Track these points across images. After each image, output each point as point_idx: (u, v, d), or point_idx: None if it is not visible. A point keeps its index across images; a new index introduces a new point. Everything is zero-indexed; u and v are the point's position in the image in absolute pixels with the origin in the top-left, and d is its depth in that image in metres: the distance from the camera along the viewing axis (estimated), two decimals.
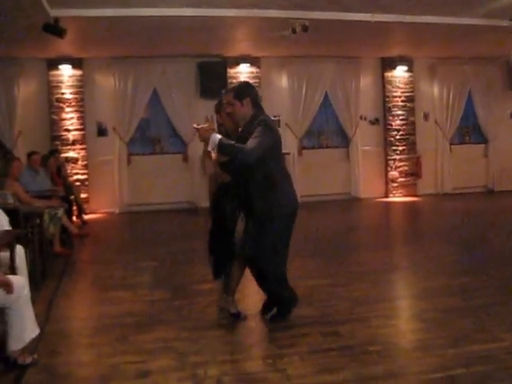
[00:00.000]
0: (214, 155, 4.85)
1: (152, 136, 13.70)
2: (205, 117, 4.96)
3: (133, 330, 5.31)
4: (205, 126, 4.82)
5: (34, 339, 4.60)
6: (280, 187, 5.07)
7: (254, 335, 5.34)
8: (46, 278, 7.25)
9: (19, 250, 5.63)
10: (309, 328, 5.19)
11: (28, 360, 4.47)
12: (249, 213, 5.12)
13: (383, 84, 14.44)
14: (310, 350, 4.70)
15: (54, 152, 11.72)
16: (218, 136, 4.75)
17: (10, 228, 5.94)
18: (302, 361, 4.48)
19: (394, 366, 4.33)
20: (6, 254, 5.32)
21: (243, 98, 4.98)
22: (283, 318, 5.36)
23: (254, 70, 13.50)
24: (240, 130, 5.08)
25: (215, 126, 5.07)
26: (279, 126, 13.75)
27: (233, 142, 4.77)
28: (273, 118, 13.78)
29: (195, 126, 4.88)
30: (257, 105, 5.06)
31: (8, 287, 4.31)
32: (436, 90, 14.72)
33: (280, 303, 5.43)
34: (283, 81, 13.82)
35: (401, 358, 4.52)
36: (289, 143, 13.68)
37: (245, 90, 5.08)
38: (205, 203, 13.09)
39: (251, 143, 4.75)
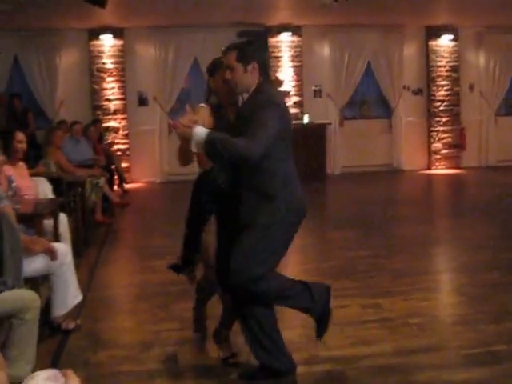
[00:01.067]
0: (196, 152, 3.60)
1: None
2: (186, 106, 3.84)
3: (173, 298, 5.36)
4: (183, 120, 3.53)
5: (76, 305, 4.68)
6: (290, 186, 3.69)
7: None
8: (88, 245, 7.36)
9: (62, 217, 5.71)
10: (349, 300, 5.18)
11: (71, 325, 4.56)
12: (233, 220, 3.73)
13: (427, 53, 14.13)
14: (349, 321, 4.70)
15: (96, 122, 11.83)
16: (204, 130, 3.44)
17: (53, 196, 6.04)
18: (341, 332, 4.48)
19: (433, 340, 4.31)
20: (49, 222, 5.41)
21: (249, 62, 3.62)
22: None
23: (295, 39, 13.35)
24: (240, 105, 3.81)
25: (198, 117, 3.78)
26: (320, 97, 13.66)
27: (225, 136, 3.41)
28: (313, 88, 13.73)
29: (170, 121, 3.91)
30: (265, 73, 3.72)
31: (52, 254, 4.38)
32: (482, 59, 14.37)
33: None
34: (325, 50, 13.62)
35: (440, 332, 4.48)
36: (330, 114, 13.61)
37: (253, 50, 3.67)
38: None
39: (256, 132, 3.42)
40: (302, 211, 3.75)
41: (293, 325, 4.69)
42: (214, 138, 3.39)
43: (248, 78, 3.64)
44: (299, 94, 13.47)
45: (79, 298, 4.71)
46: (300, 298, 3.85)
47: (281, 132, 3.56)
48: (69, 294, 4.57)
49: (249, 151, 3.37)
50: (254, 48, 3.69)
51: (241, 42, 3.77)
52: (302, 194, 3.75)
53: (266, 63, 3.77)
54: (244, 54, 3.63)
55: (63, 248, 4.69)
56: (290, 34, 13.23)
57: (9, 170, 5.31)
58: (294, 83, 13.42)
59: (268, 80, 3.78)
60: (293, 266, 6.74)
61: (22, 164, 5.79)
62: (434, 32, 13.97)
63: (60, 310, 4.53)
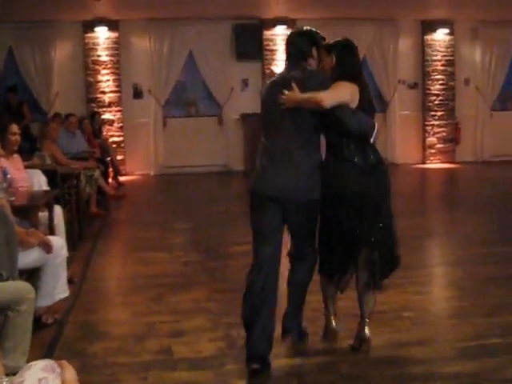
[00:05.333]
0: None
1: (187, 99, 13.69)
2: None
3: (167, 290, 5.38)
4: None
5: (60, 301, 4.66)
6: None
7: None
8: (83, 238, 7.35)
9: (57, 210, 5.71)
10: (343, 293, 5.18)
11: (50, 320, 4.55)
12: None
13: (423, 47, 14.11)
14: (343, 314, 4.68)
15: (95, 114, 11.83)
16: None
17: (48, 189, 6.04)
18: (335, 324, 4.48)
19: (427, 333, 4.33)
20: (44, 214, 5.41)
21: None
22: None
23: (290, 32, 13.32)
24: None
25: None
26: None
27: None
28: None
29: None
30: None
31: (47, 247, 4.39)
32: (477, 54, 14.37)
33: None
34: None
35: (434, 325, 4.51)
36: None
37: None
38: (239, 166, 13.22)
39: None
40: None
41: None
42: None
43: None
44: None
45: (65, 293, 4.71)
46: None
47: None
48: (57, 288, 4.57)
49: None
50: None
51: None
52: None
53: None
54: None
55: (58, 241, 4.70)
56: (285, 27, 13.20)
57: (3, 162, 5.31)
58: None
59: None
60: (284, 260, 6.74)
61: (16, 156, 5.77)
62: (430, 26, 13.96)
63: (45, 301, 4.50)
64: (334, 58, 4.04)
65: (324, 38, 4.12)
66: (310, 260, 4.14)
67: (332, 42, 4.15)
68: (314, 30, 4.12)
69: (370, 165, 4.02)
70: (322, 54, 4.07)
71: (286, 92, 3.80)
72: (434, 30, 13.97)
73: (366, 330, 4.09)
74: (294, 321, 4.16)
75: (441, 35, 14.07)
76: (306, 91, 3.79)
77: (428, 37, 14.06)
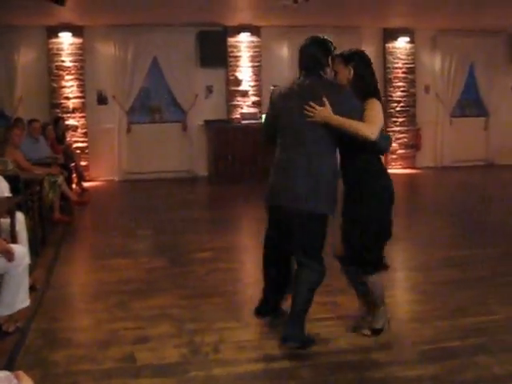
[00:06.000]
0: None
1: (152, 105, 13.67)
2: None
3: (131, 296, 5.37)
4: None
5: (21, 310, 4.61)
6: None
7: (250, 303, 5.38)
8: (46, 244, 7.29)
9: (19, 216, 5.65)
10: None
11: (12, 328, 4.49)
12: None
13: (384, 55, 14.34)
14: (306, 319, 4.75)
15: (58, 120, 11.74)
16: None
17: (10, 195, 5.98)
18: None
19: (389, 337, 4.37)
20: (6, 221, 5.35)
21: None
22: None
23: (254, 39, 13.42)
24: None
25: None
26: None
27: None
28: (272, 88, 13.81)
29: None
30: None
31: (9, 255, 4.35)
32: (437, 62, 14.62)
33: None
34: (283, 51, 13.71)
35: (396, 329, 4.53)
36: None
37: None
38: (203, 172, 13.25)
39: None
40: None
41: (250, 323, 4.74)
42: None
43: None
44: (258, 93, 13.55)
45: (26, 303, 4.64)
46: None
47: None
48: (18, 297, 4.50)
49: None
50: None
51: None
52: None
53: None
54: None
55: (21, 250, 4.65)
56: (249, 34, 13.30)
57: None
58: (252, 83, 13.49)
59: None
60: (249, 266, 6.79)
61: None
62: (391, 34, 14.18)
63: (5, 310, 4.46)
64: (352, 70, 4.09)
65: (335, 47, 4.18)
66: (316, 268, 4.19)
67: (346, 52, 4.21)
68: (328, 38, 4.17)
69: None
70: (337, 65, 4.12)
71: (317, 107, 3.85)
72: (395, 38, 14.19)
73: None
74: (295, 327, 4.12)
75: (402, 43, 14.29)
76: (334, 108, 3.85)
77: (389, 45, 14.27)
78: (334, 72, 4.12)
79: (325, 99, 3.85)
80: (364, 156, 4.09)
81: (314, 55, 4.05)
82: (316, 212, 4.02)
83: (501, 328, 4.51)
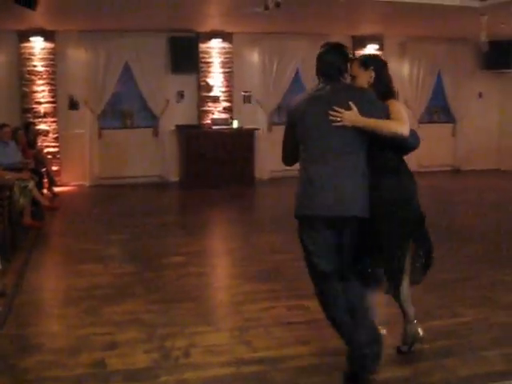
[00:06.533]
0: None
1: (123, 110, 13.64)
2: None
3: (102, 302, 5.38)
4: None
5: None
6: None
7: (221, 308, 5.46)
8: (17, 250, 7.26)
9: None
10: (275, 302, 5.31)
11: None
12: None
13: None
14: (276, 323, 4.81)
15: (29, 125, 11.67)
16: None
17: None
18: (267, 334, 4.59)
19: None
20: None
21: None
22: None
23: (225, 45, 13.47)
24: None
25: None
26: (250, 102, 13.86)
27: None
28: (243, 94, 13.90)
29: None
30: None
31: None
32: (406, 68, 14.76)
33: None
34: (255, 57, 13.79)
35: None
36: (259, 119, 13.80)
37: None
38: (174, 177, 13.27)
39: None
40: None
41: (220, 328, 4.80)
42: None
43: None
44: (229, 99, 13.60)
45: None
46: None
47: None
48: None
49: None
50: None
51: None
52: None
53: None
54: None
55: None
56: (220, 40, 13.35)
57: None
58: (224, 89, 13.53)
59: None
60: (220, 270, 6.86)
61: None
62: (360, 41, 14.31)
63: None
64: (373, 74, 4.12)
65: (351, 52, 4.24)
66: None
67: (365, 56, 4.31)
68: (343, 44, 4.19)
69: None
70: (356, 69, 4.13)
71: (344, 111, 3.84)
72: (365, 45, 14.31)
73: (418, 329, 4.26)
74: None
75: (371, 50, 14.42)
76: (361, 111, 3.84)
77: (359, 51, 14.36)
78: (352, 77, 4.15)
79: (351, 103, 3.86)
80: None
81: (333, 62, 4.06)
82: (360, 216, 3.90)
83: (467, 331, 4.62)
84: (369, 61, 4.19)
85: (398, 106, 4.07)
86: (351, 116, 3.83)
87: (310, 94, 4.09)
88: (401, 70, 14.74)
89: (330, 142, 3.89)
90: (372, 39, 14.27)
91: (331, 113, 3.84)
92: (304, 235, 3.97)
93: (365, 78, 4.11)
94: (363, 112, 3.86)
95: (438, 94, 15.20)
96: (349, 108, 3.84)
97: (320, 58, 4.13)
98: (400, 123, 3.92)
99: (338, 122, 3.84)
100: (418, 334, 4.26)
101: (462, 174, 14.83)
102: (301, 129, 3.99)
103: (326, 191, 3.83)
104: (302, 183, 3.97)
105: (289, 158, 4.27)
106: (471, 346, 4.31)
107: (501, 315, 5.03)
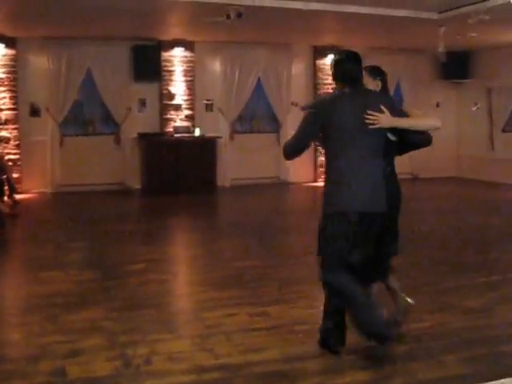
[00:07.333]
0: None
1: (85, 117, 13.58)
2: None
3: (62, 309, 5.34)
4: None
5: None
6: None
7: (183, 315, 5.47)
8: None
9: None
10: (237, 308, 5.32)
11: None
12: None
13: (314, 71, 14.63)
14: (237, 329, 4.83)
15: None
16: None
17: None
18: (228, 340, 4.60)
19: (319, 346, 4.44)
20: None
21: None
22: None
23: (188, 54, 13.50)
24: None
25: None
26: (212, 111, 13.91)
27: None
28: (205, 102, 13.94)
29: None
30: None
31: None
32: (365, 79, 14.91)
33: None
34: (217, 65, 13.87)
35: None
36: (221, 127, 13.86)
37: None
38: (136, 184, 13.23)
39: None
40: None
41: (182, 335, 4.82)
42: None
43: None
44: (191, 107, 13.62)
45: None
46: None
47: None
48: None
49: None
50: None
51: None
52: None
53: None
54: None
55: None
56: (182, 49, 13.39)
57: None
58: (186, 97, 13.56)
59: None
60: (181, 277, 6.87)
61: None
62: (321, 51, 14.47)
63: None
64: (380, 83, 4.50)
65: None
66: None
67: (371, 67, 4.61)
68: (357, 52, 4.38)
69: None
70: (365, 78, 4.43)
71: (378, 114, 4.10)
72: (325, 55, 14.46)
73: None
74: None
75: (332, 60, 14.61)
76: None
77: (319, 61, 14.56)
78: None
79: (382, 106, 4.14)
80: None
81: (354, 69, 4.28)
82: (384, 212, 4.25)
83: (427, 335, 4.68)
84: (377, 72, 4.58)
85: (411, 109, 4.45)
86: (388, 118, 4.12)
87: (340, 96, 4.28)
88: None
89: (363, 143, 4.14)
90: (332, 49, 14.41)
91: (368, 116, 4.09)
92: (333, 230, 4.17)
93: (372, 86, 4.49)
94: (392, 115, 4.17)
95: (397, 103, 15.34)
96: (381, 111, 4.12)
97: (340, 65, 4.33)
98: (431, 118, 4.39)
99: (374, 124, 4.10)
100: (407, 301, 4.70)
101: (420, 181, 15.01)
102: (332, 127, 4.18)
103: (361, 188, 4.13)
104: (334, 181, 4.21)
105: (296, 152, 4.46)
106: (431, 351, 4.37)
107: (460, 320, 5.12)
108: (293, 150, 4.45)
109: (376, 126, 4.10)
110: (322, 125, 4.19)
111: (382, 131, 4.18)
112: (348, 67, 4.28)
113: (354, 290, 4.17)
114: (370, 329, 4.17)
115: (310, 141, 4.42)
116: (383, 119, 4.12)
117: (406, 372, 4.09)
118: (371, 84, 4.48)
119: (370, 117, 4.09)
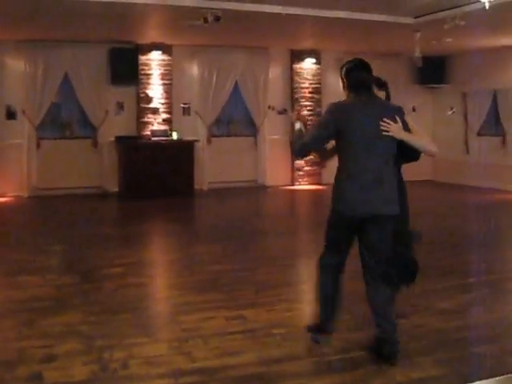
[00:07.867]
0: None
1: (62, 120, 13.51)
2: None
3: (39, 314, 5.31)
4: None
5: None
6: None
7: (160, 319, 5.48)
8: None
9: None
10: (213, 312, 5.34)
11: None
12: None
13: (291, 75, 14.72)
14: (214, 333, 4.84)
15: None
16: None
17: None
18: (206, 344, 4.61)
19: (296, 349, 4.51)
20: None
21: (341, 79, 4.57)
22: None
23: (165, 57, 13.51)
24: None
25: None
26: (189, 114, 13.92)
27: None
28: (182, 106, 13.94)
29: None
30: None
31: None
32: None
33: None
34: (194, 69, 13.90)
35: (304, 341, 4.64)
36: (198, 131, 13.88)
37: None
38: (113, 188, 13.19)
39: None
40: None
41: (159, 338, 4.83)
42: None
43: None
44: (168, 111, 13.63)
45: None
46: None
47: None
48: None
49: None
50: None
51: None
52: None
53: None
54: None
55: None
56: (160, 52, 13.40)
57: None
58: (163, 101, 13.56)
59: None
60: (159, 281, 6.87)
61: None
62: (298, 55, 14.57)
63: None
64: (385, 94, 4.61)
65: None
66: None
67: (376, 77, 4.62)
68: (367, 61, 4.50)
69: None
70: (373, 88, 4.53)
71: (392, 123, 4.23)
72: (302, 59, 14.59)
73: None
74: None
75: (308, 64, 14.72)
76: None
77: (296, 65, 14.66)
78: None
79: (397, 117, 4.28)
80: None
81: (364, 77, 4.41)
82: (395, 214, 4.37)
83: (404, 338, 4.68)
84: (382, 83, 4.65)
85: (412, 123, 4.50)
86: (399, 129, 4.26)
87: (357, 102, 4.38)
88: (337, 84, 14.91)
89: (376, 148, 4.26)
90: (309, 53, 14.57)
91: (382, 123, 4.22)
92: (342, 230, 4.49)
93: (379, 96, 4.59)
94: (403, 129, 4.32)
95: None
96: (395, 121, 4.26)
97: (354, 73, 4.45)
98: (432, 143, 4.52)
99: (387, 132, 4.24)
100: None
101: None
102: (348, 132, 4.27)
103: (375, 191, 4.26)
104: (346, 182, 4.36)
105: (307, 151, 4.66)
106: (407, 353, 4.41)
107: (435, 322, 5.18)
108: (303, 149, 4.59)
109: (389, 134, 4.24)
110: (338, 130, 4.30)
111: (396, 139, 4.31)
112: (361, 75, 4.42)
113: (327, 282, 4.55)
114: (316, 319, 4.58)
115: (323, 144, 4.54)
116: (396, 130, 4.25)
117: (383, 374, 4.13)
118: (377, 95, 4.59)
119: (385, 124, 4.22)
